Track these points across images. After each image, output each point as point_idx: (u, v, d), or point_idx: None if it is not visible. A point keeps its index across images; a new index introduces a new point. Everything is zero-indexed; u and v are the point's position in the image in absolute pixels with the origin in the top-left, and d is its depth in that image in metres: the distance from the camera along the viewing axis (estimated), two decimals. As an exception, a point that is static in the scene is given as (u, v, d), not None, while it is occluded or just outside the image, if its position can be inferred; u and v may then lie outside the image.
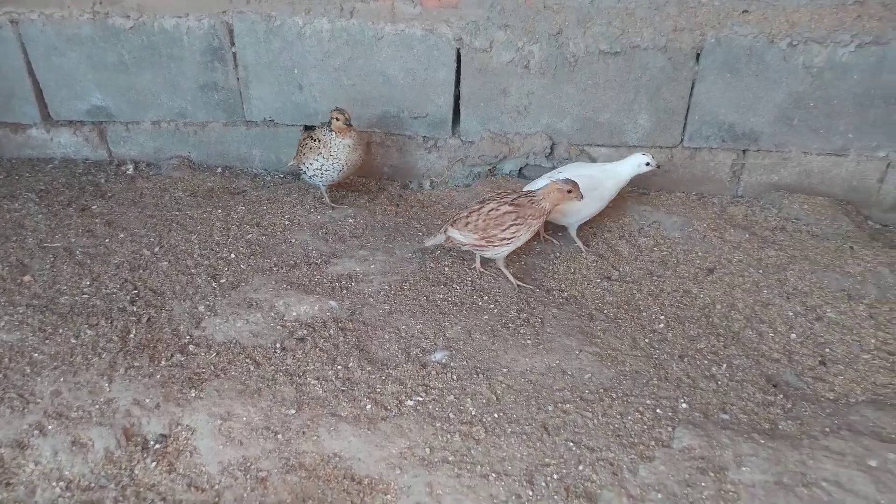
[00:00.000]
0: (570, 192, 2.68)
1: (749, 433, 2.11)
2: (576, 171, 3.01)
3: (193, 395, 2.20)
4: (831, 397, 2.32)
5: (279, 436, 2.10)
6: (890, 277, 2.89)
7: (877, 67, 3.18)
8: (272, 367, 2.34)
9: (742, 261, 3.03)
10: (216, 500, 1.93)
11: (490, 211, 2.71)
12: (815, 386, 2.37)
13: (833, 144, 3.41)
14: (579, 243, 3.15)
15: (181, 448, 2.06)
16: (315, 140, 3.16)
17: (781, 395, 2.30)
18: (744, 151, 3.51)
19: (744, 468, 1.98)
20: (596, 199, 3.03)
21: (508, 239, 2.71)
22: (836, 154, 3.44)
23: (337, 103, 3.50)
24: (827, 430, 2.12)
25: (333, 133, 3.11)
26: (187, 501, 1.92)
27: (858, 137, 3.37)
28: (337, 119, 3.06)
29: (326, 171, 3.18)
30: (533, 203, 2.70)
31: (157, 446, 2.06)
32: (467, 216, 2.77)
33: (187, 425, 2.11)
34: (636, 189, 3.63)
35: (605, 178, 3.04)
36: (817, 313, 2.72)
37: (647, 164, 3.03)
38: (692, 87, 3.36)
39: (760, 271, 2.96)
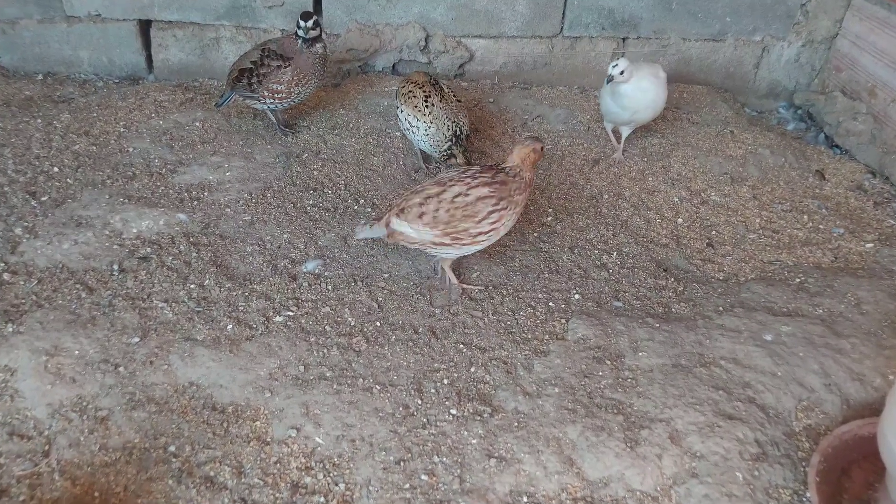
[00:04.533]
0: (542, 149, 2.00)
1: (643, 318, 2.00)
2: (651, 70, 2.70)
3: (11, 330, 1.82)
4: (721, 277, 2.26)
5: (121, 368, 1.78)
6: (771, 159, 2.88)
7: (753, -57, 3.09)
8: (109, 292, 1.98)
9: (626, 150, 2.91)
10: (47, 447, 1.61)
11: (456, 197, 1.95)
12: (705, 268, 2.31)
13: (711, 29, 3.32)
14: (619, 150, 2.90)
15: (-4, 393, 1.69)
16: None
17: (673, 279, 2.21)
18: (623, 40, 3.36)
19: (640, 353, 1.87)
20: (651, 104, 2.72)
21: (486, 232, 1.96)
22: (713, 39, 3.36)
23: (175, -10, 3.00)
24: (720, 309, 2.06)
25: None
26: (10, 454, 1.58)
27: (736, 21, 3.30)
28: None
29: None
30: (515, 177, 1.97)
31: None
32: (422, 203, 1.97)
33: (5, 366, 1.74)
34: (518, 84, 3.42)
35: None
36: (702, 197, 2.65)
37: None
38: (571, -32, 3.14)
39: (645, 159, 2.86)
